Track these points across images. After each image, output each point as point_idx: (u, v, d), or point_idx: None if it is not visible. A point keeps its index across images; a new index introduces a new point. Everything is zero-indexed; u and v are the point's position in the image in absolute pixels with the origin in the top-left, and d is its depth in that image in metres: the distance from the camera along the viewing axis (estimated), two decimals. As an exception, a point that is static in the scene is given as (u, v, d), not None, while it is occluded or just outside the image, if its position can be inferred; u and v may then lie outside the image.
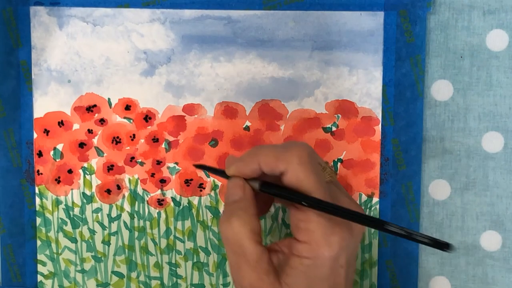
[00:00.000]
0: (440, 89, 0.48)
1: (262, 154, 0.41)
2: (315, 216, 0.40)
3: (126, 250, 0.51)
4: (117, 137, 0.50)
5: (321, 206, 0.39)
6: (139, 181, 0.50)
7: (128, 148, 0.50)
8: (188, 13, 0.48)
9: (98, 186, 0.50)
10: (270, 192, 0.42)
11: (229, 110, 0.49)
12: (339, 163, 0.49)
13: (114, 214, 0.50)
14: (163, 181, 0.50)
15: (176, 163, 0.50)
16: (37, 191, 0.50)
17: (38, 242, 0.51)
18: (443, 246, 0.35)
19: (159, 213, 0.50)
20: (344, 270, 0.41)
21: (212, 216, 0.50)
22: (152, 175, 0.50)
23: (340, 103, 0.49)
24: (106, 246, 0.51)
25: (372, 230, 0.49)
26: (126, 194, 0.50)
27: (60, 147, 0.50)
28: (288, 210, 0.42)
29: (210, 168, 0.46)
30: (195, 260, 0.51)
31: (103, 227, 0.51)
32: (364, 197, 0.49)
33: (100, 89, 0.49)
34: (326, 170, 0.42)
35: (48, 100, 0.50)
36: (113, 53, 0.49)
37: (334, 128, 0.49)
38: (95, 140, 0.50)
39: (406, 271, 0.49)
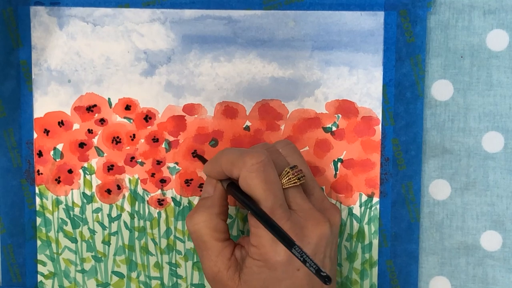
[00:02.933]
0: (440, 89, 0.48)
1: (223, 158, 0.43)
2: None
3: (126, 250, 0.51)
4: (117, 137, 0.50)
5: (259, 218, 0.41)
6: (139, 181, 0.50)
7: (128, 148, 0.50)
8: (188, 13, 0.48)
9: (98, 186, 0.50)
10: (230, 193, 0.44)
11: (229, 110, 0.49)
12: (339, 163, 0.49)
13: (114, 214, 0.50)
14: (163, 181, 0.50)
15: (176, 163, 0.50)
16: (37, 191, 0.50)
17: (38, 242, 0.51)
18: (325, 277, 0.36)
19: (159, 213, 0.50)
20: (304, 271, 0.42)
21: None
22: (152, 175, 0.50)
23: (340, 103, 0.49)
24: (106, 246, 0.51)
25: (373, 230, 0.49)
26: (126, 194, 0.50)
27: (60, 147, 0.50)
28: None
29: (206, 161, 0.48)
30: (195, 260, 0.51)
31: (103, 227, 0.51)
32: (364, 197, 0.49)
33: (100, 89, 0.49)
34: (288, 176, 0.43)
35: (48, 100, 0.50)
36: (113, 53, 0.49)
37: (334, 128, 0.49)
38: (95, 140, 0.50)
39: (406, 271, 0.49)
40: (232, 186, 0.44)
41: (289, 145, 0.46)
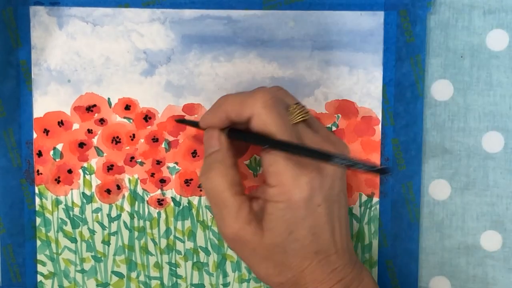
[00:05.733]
0: (440, 89, 0.48)
1: (228, 102, 0.42)
2: (283, 159, 0.41)
3: (126, 250, 0.51)
4: (117, 137, 0.50)
5: (283, 147, 0.40)
6: (139, 181, 0.50)
7: (128, 148, 0.50)
8: (188, 13, 0.48)
9: (98, 186, 0.50)
10: (237, 137, 0.43)
11: (229, 110, 0.49)
12: (339, 163, 0.49)
13: (114, 214, 0.50)
14: (163, 181, 0.50)
15: (176, 163, 0.50)
16: (37, 191, 0.50)
17: (38, 242, 0.51)
18: (383, 170, 0.36)
19: (159, 213, 0.50)
20: (324, 208, 0.42)
21: (212, 216, 0.50)
22: (152, 175, 0.50)
23: (340, 103, 0.49)
24: (106, 246, 0.51)
25: (372, 230, 0.49)
26: (126, 194, 0.50)
27: (60, 147, 0.50)
28: (260, 156, 0.43)
29: (189, 122, 0.47)
30: (195, 260, 0.51)
31: (103, 227, 0.51)
32: (364, 197, 0.49)
33: (100, 89, 0.49)
34: (295, 112, 0.42)
35: (48, 100, 0.50)
36: (113, 53, 0.49)
37: (334, 128, 0.49)
38: (95, 140, 0.50)
39: (406, 271, 0.49)
40: (233, 131, 0.43)
41: (282, 89, 0.45)
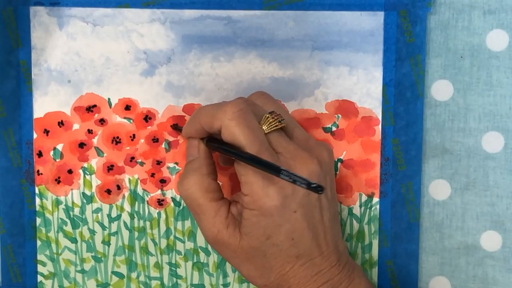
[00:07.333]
0: (440, 89, 0.48)
1: (201, 114, 0.44)
2: (252, 170, 0.42)
3: (126, 250, 0.51)
4: (117, 137, 0.50)
5: (244, 159, 0.41)
6: (139, 181, 0.50)
7: (128, 148, 0.50)
8: (188, 13, 0.48)
9: (98, 186, 0.50)
10: (211, 147, 0.44)
11: (229, 110, 0.49)
12: (339, 163, 0.49)
13: (114, 214, 0.50)
14: (163, 181, 0.50)
15: (176, 163, 0.50)
16: (37, 191, 0.50)
17: (38, 242, 0.51)
18: (317, 188, 0.37)
19: (159, 213, 0.50)
20: (301, 214, 0.42)
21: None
22: (152, 175, 0.50)
23: (340, 103, 0.49)
24: (106, 246, 0.51)
25: (373, 230, 0.49)
26: (126, 194, 0.50)
27: (60, 147, 0.50)
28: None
29: (180, 129, 0.48)
30: (195, 260, 0.51)
31: (103, 227, 0.51)
32: (364, 197, 0.49)
33: (100, 89, 0.49)
34: (268, 121, 0.43)
35: (48, 100, 0.50)
36: (113, 53, 0.49)
37: (334, 128, 0.49)
38: (95, 140, 0.50)
39: (406, 271, 0.49)
40: (211, 140, 0.44)
41: (263, 95, 0.46)
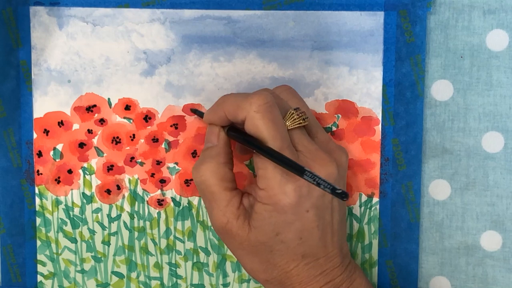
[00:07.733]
0: (440, 89, 0.48)
1: (226, 103, 0.43)
2: (271, 165, 0.41)
3: (126, 250, 0.51)
4: (117, 137, 0.50)
5: (266, 153, 0.40)
6: (139, 181, 0.50)
7: (128, 148, 0.50)
8: (188, 13, 0.48)
9: (98, 186, 0.50)
10: (232, 137, 0.44)
11: (229, 110, 0.49)
12: (339, 163, 0.49)
13: (114, 214, 0.50)
14: (163, 181, 0.50)
15: (176, 163, 0.50)
16: (37, 191, 0.50)
17: (38, 242, 0.51)
18: (341, 194, 0.37)
19: (159, 213, 0.50)
20: (313, 214, 0.42)
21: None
22: (152, 175, 0.50)
23: (340, 103, 0.49)
24: (106, 246, 0.51)
25: (372, 230, 0.49)
26: (126, 194, 0.50)
27: (60, 147, 0.50)
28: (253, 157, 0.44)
29: (200, 114, 0.47)
30: (195, 260, 0.51)
31: (103, 227, 0.51)
32: (364, 197, 0.49)
33: (100, 89, 0.49)
34: (292, 117, 0.43)
35: (48, 100, 0.50)
36: (113, 53, 0.49)
37: (334, 128, 0.49)
38: (95, 140, 0.50)
39: (406, 271, 0.49)
40: (233, 130, 0.44)
41: (289, 89, 0.45)
